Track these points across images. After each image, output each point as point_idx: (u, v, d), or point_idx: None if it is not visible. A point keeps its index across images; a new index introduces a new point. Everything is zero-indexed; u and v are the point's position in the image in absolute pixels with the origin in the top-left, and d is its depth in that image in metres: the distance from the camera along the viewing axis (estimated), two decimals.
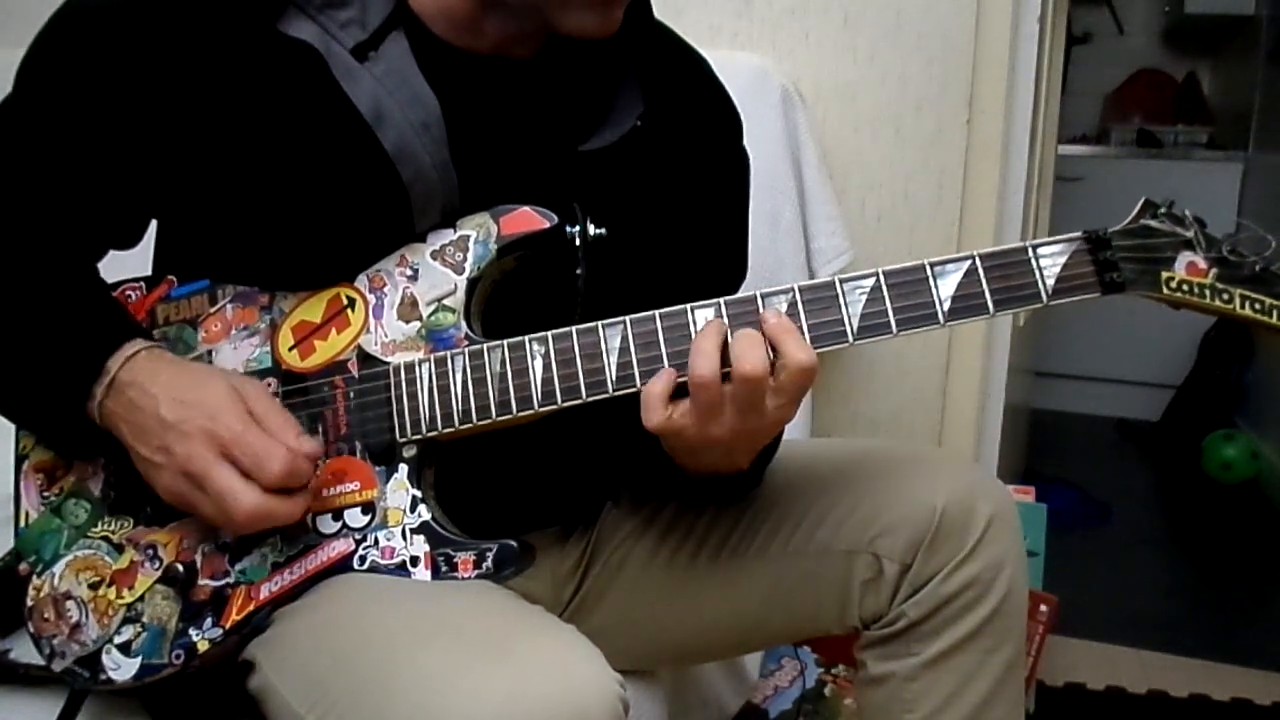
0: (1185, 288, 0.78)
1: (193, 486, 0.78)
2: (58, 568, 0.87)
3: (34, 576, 0.88)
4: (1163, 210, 0.79)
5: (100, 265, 0.92)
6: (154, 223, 0.94)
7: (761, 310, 0.79)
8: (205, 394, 0.79)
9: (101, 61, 0.84)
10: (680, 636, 1.03)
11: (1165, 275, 0.78)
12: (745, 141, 1.05)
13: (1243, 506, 2.98)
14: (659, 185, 0.95)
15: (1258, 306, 0.78)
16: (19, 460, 0.91)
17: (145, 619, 0.84)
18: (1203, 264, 0.78)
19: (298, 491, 0.79)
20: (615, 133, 0.92)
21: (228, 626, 0.83)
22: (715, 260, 1.02)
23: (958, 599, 0.90)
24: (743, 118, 1.05)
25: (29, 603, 0.87)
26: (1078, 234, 0.79)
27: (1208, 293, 0.78)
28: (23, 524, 0.89)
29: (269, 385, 0.85)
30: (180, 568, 0.84)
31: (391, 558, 0.82)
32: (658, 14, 1.03)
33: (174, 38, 0.83)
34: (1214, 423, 3.28)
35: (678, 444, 0.81)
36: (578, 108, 0.93)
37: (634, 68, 0.94)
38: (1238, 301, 0.78)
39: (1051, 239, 0.79)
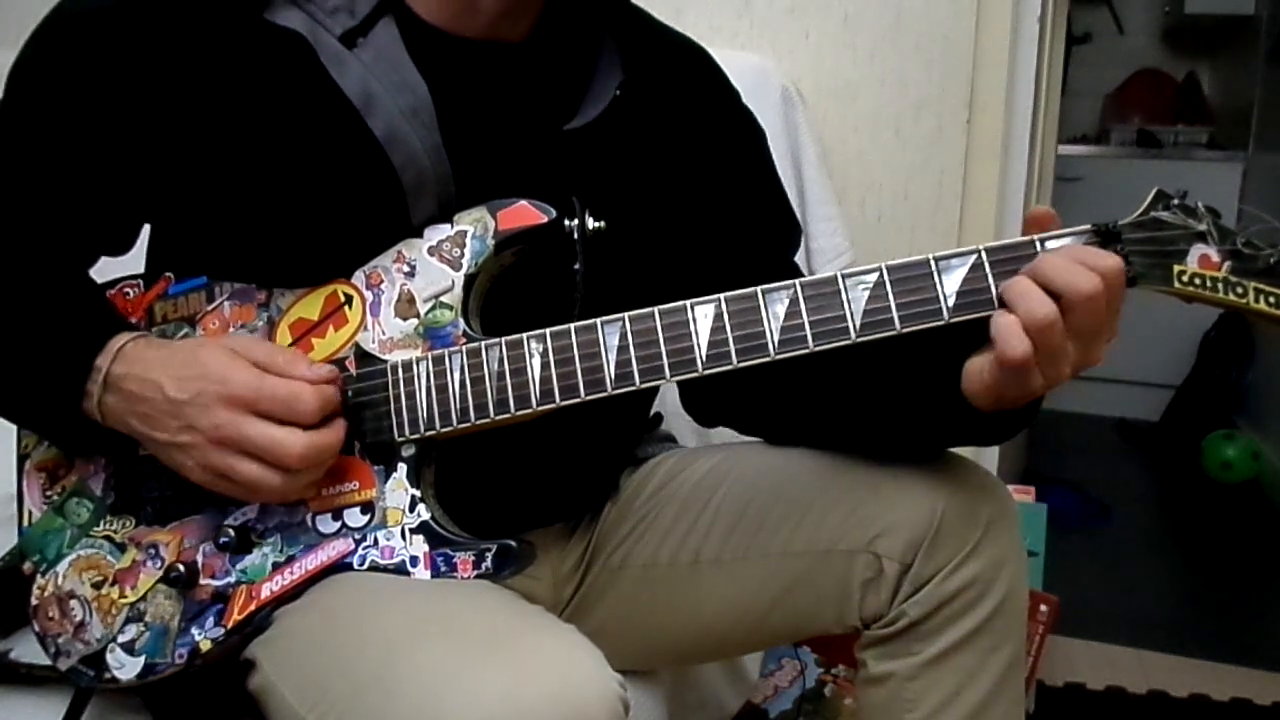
0: (1198, 281, 0.75)
1: (229, 453, 0.77)
2: (61, 567, 0.87)
3: (38, 576, 0.88)
4: (1175, 202, 0.77)
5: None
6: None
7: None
8: (205, 363, 0.79)
9: (91, 64, 0.84)
10: (680, 636, 1.03)
11: (1177, 269, 0.76)
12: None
13: (1243, 506, 2.98)
14: (659, 155, 0.96)
15: (1272, 300, 0.75)
16: (21, 459, 0.91)
17: (148, 618, 0.84)
18: (1216, 257, 0.75)
19: (333, 418, 0.80)
20: (598, 106, 0.92)
21: (229, 626, 0.83)
22: (757, 220, 1.02)
23: (958, 598, 0.89)
24: None
25: (34, 601, 0.88)
26: (1086, 226, 0.77)
27: (1221, 286, 0.75)
28: (26, 523, 0.90)
29: None
30: (181, 567, 0.84)
31: (391, 557, 0.82)
32: (658, 15, 1.03)
33: (163, 35, 0.83)
34: (1214, 423, 3.28)
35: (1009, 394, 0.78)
36: (566, 88, 0.93)
37: (613, 37, 0.95)
38: (1251, 295, 0.75)
39: (1059, 232, 0.77)
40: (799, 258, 1.61)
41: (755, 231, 1.02)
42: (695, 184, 0.99)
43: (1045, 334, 0.73)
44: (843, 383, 0.91)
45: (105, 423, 0.81)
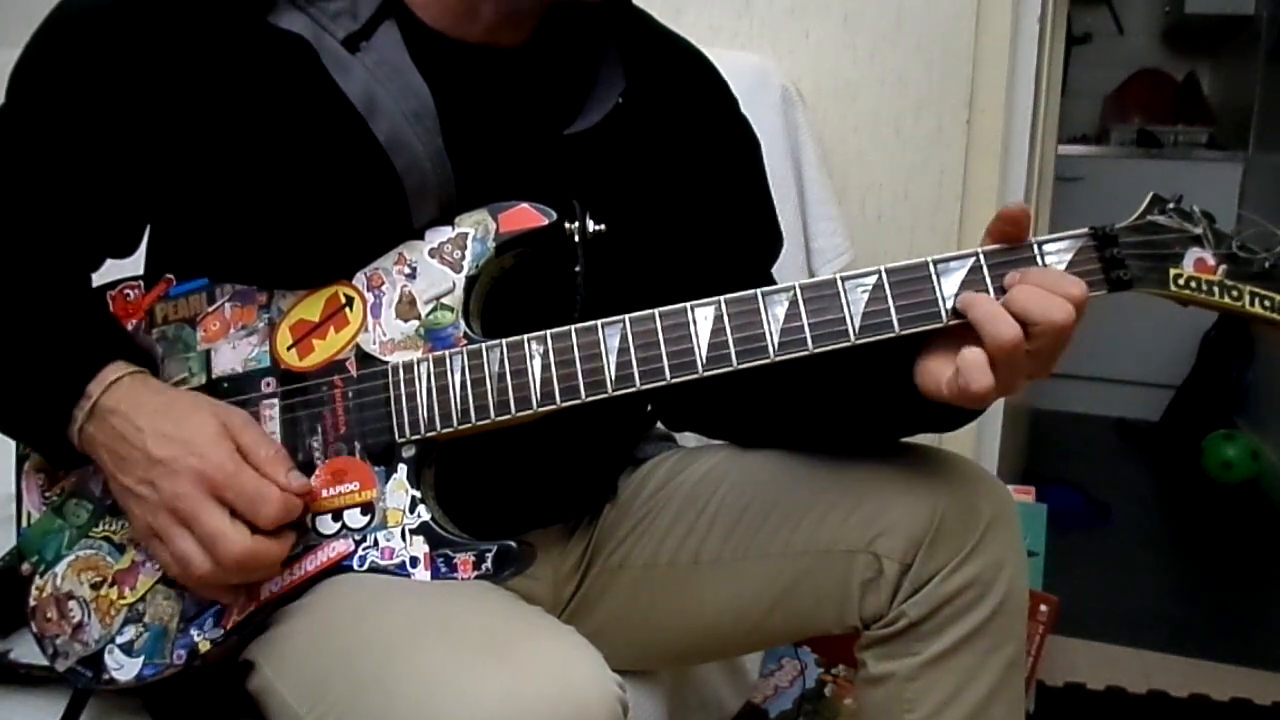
0: (1194, 285, 0.76)
1: (173, 524, 0.77)
2: (60, 568, 0.87)
3: (36, 576, 0.88)
4: (1171, 206, 0.77)
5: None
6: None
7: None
8: (192, 429, 0.78)
9: (93, 65, 0.84)
10: (680, 636, 1.03)
11: (1173, 272, 0.76)
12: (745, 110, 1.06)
13: (1243, 506, 2.98)
14: (657, 161, 0.96)
15: (1268, 304, 0.76)
16: (20, 460, 0.91)
17: (147, 619, 0.84)
18: (1211, 261, 0.76)
19: (284, 530, 0.80)
20: (600, 112, 0.93)
21: (228, 626, 0.83)
22: (743, 230, 1.03)
23: (958, 598, 0.90)
24: None
25: (31, 602, 0.87)
26: (1083, 230, 0.77)
27: (1217, 290, 0.76)
28: (24, 524, 0.89)
29: (268, 384, 0.86)
30: None
31: (391, 558, 0.82)
32: (658, 14, 1.03)
33: (165, 37, 0.84)
34: (1214, 423, 3.28)
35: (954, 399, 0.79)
36: (567, 93, 0.94)
37: (616, 45, 0.95)
38: (1247, 299, 0.76)
39: (1056, 235, 0.77)
40: (799, 257, 1.63)
41: (737, 241, 1.02)
42: (686, 190, 0.99)
43: (1010, 355, 0.74)
44: (802, 382, 0.91)
45: (79, 448, 0.81)
